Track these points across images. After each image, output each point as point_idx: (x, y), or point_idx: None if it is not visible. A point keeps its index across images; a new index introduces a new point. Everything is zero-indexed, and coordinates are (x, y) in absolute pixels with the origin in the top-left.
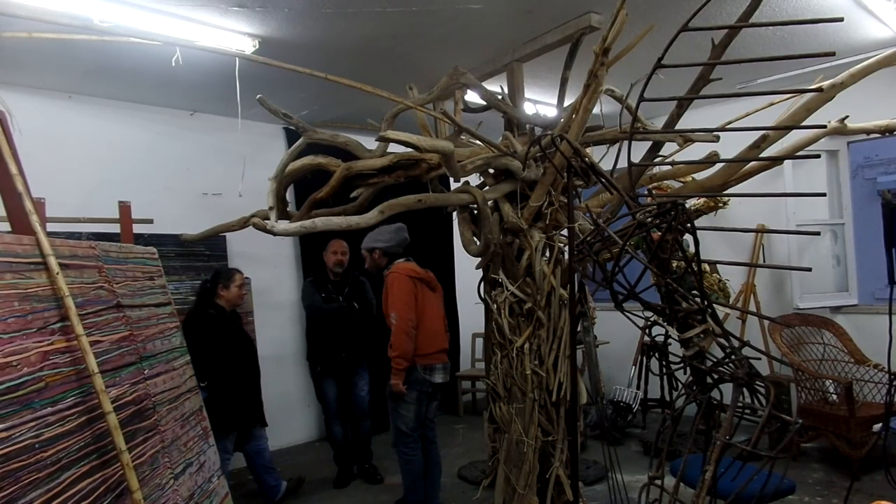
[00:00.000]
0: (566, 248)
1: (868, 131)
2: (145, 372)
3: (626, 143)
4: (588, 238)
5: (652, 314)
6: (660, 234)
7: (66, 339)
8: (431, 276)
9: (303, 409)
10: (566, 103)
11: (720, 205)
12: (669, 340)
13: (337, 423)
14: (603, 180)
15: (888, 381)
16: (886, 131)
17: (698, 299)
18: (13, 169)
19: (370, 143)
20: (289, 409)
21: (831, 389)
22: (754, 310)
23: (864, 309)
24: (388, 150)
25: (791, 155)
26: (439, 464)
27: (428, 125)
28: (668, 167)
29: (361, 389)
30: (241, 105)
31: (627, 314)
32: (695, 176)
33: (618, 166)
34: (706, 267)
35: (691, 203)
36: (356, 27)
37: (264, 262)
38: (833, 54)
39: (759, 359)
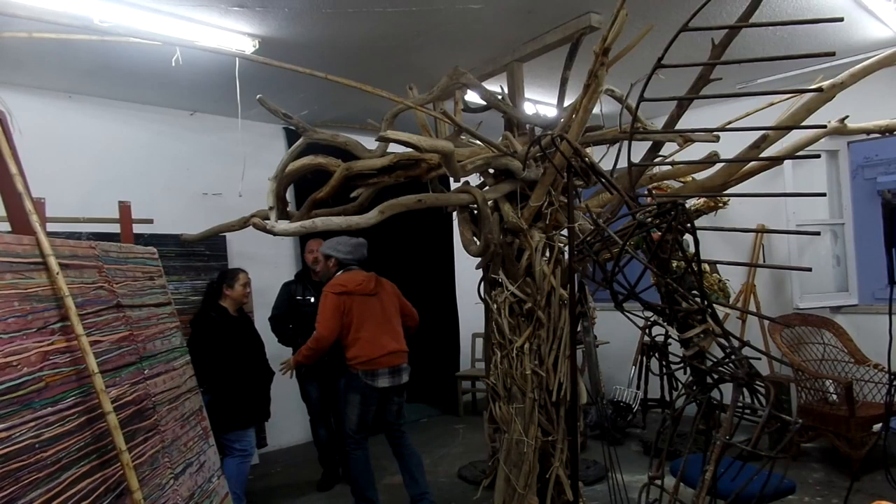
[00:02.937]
0: (566, 248)
1: (868, 131)
2: (145, 372)
3: (626, 143)
4: (588, 238)
5: (652, 314)
6: (660, 234)
7: (66, 339)
8: (369, 282)
9: (301, 409)
10: (566, 103)
11: (720, 205)
12: (669, 340)
13: (321, 424)
14: (603, 180)
15: (888, 381)
16: (886, 131)
17: (698, 299)
18: (13, 169)
19: (370, 143)
20: (287, 409)
21: (831, 389)
22: (754, 310)
23: (864, 309)
24: (388, 150)
25: (791, 155)
26: (415, 454)
27: (428, 125)
28: (668, 167)
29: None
30: (241, 105)
31: (627, 314)
32: (695, 176)
33: (618, 166)
34: (706, 267)
35: (691, 203)
36: (356, 27)
37: (264, 262)
38: (833, 54)
39: (759, 359)
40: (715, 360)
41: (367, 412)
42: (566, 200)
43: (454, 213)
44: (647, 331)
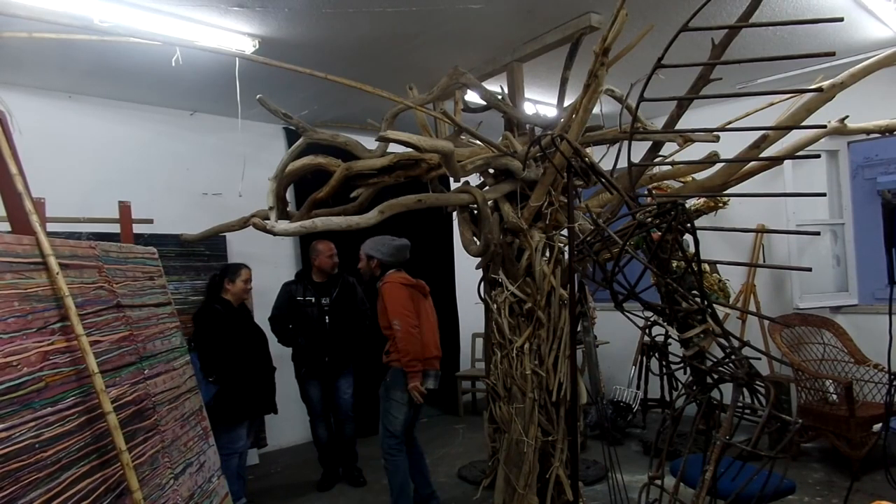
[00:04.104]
0: (566, 248)
1: (868, 131)
2: (145, 372)
3: (626, 143)
4: (588, 238)
5: (652, 314)
6: (660, 234)
7: (66, 339)
8: (423, 283)
9: (301, 409)
10: (566, 103)
11: (720, 205)
12: (669, 340)
13: (321, 425)
14: (603, 180)
15: (888, 381)
16: (886, 131)
17: (698, 299)
18: (13, 169)
19: (370, 143)
20: (287, 409)
21: (831, 389)
22: (754, 310)
23: (864, 309)
24: (388, 150)
25: (791, 155)
26: (423, 454)
27: (428, 125)
28: (668, 167)
29: (345, 392)
30: (241, 105)
31: (627, 314)
32: (695, 176)
33: (618, 166)
34: (706, 267)
35: (691, 203)
36: (356, 27)
37: (264, 262)
38: (833, 54)
39: (759, 359)
40: (715, 360)
41: (412, 411)
42: (566, 200)
43: (454, 213)
44: (647, 331)
